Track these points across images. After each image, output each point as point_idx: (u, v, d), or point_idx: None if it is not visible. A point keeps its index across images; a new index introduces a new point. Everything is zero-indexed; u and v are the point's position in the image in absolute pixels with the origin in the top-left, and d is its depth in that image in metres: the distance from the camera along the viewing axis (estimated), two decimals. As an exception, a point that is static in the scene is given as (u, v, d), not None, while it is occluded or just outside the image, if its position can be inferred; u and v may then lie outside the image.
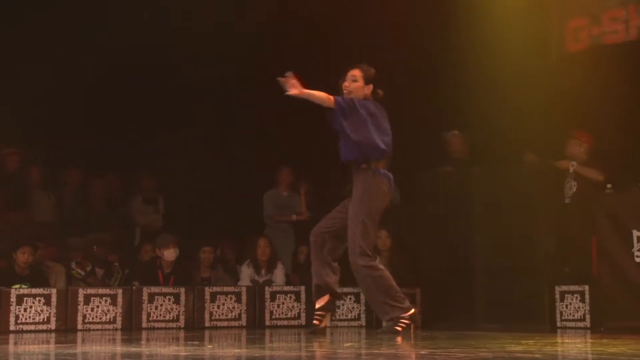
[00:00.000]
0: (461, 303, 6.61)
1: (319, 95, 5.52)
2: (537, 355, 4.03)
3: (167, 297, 7.05)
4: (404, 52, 8.51)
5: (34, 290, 6.88)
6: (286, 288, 7.42)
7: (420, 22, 8.41)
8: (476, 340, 5.04)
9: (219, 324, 7.08)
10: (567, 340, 5.43)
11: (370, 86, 5.77)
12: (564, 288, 6.51)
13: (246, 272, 7.72)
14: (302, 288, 7.31)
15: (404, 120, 8.54)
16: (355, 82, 5.74)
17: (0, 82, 8.60)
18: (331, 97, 5.56)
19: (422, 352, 4.35)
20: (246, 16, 8.80)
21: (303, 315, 7.21)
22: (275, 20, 8.73)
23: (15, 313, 6.75)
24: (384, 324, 5.79)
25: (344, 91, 5.73)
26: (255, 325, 7.10)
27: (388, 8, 8.42)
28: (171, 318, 7.02)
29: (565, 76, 7.70)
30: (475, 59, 8.03)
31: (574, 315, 6.40)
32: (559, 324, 6.45)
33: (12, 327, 6.71)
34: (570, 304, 6.42)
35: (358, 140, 5.63)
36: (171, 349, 4.69)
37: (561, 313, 6.47)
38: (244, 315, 7.16)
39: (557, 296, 6.50)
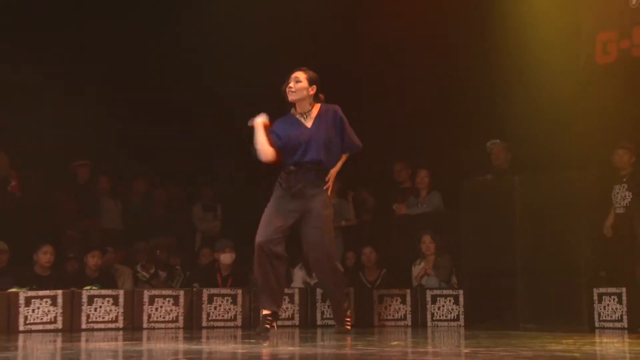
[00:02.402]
0: (503, 304, 6.52)
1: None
2: (576, 355, 3.96)
3: (225, 298, 7.07)
4: (448, 64, 8.47)
5: (103, 292, 6.94)
6: (336, 290, 7.37)
7: (461, 36, 8.37)
8: (517, 340, 4.97)
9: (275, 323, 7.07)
10: (605, 340, 5.32)
11: (314, 87, 5.73)
12: (602, 290, 6.40)
13: (299, 275, 7.71)
14: (351, 290, 7.27)
15: (448, 130, 8.53)
16: (299, 82, 5.69)
17: (70, 98, 8.74)
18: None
19: (466, 351, 4.30)
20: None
21: (353, 315, 7.15)
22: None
23: (86, 312, 6.81)
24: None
25: (289, 92, 5.69)
26: (307, 324, 7.08)
27: (429, 20, 8.40)
28: (229, 317, 7.03)
29: (598, 87, 7.60)
30: (514, 70, 7.98)
31: (611, 316, 6.29)
32: (597, 325, 6.34)
33: (83, 326, 6.77)
34: (608, 305, 6.31)
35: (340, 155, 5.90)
36: (229, 347, 4.70)
37: (599, 314, 6.36)
38: (296, 315, 7.14)
39: (595, 298, 6.40)
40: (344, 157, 5.96)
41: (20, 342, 5.51)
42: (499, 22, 8.06)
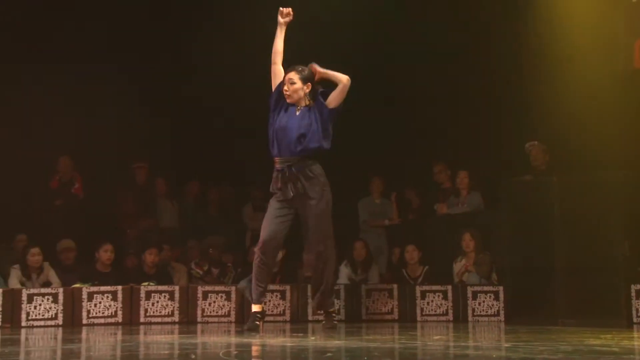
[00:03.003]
0: (542, 300, 6.45)
1: (337, 75, 5.60)
2: (614, 349, 3.90)
3: (274, 293, 7.09)
4: (486, 66, 8.41)
5: (160, 287, 7.01)
6: (380, 286, 7.37)
7: (500, 38, 8.30)
8: (556, 335, 4.91)
9: (320, 317, 7.07)
10: (643, 336, 5.22)
11: (309, 84, 5.61)
12: (640, 286, 6.31)
13: (344, 272, 7.71)
14: (395, 286, 7.25)
15: (488, 132, 8.46)
16: (293, 84, 5.58)
17: (129, 104, 8.86)
18: (344, 77, 5.59)
19: (506, 345, 4.26)
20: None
21: (396, 310, 7.15)
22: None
23: (144, 307, 6.89)
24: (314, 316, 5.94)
25: (285, 95, 5.59)
26: (353, 319, 7.07)
27: (465, 22, 8.35)
28: (278, 312, 7.05)
29: (635, 90, 7.50)
30: (553, 73, 7.89)
31: (649, 312, 6.18)
32: (635, 320, 6.25)
33: (142, 319, 6.84)
34: (646, 301, 6.21)
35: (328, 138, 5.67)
36: (279, 340, 4.71)
37: (637, 310, 6.26)
38: (342, 310, 7.13)
39: (633, 294, 6.29)
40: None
41: (83, 335, 5.59)
42: (537, 26, 7.98)
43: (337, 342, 4.46)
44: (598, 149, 7.29)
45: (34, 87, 8.46)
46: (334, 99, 5.62)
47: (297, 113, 5.60)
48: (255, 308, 5.66)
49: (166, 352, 4.12)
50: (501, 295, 7.03)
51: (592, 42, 7.71)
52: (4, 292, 6.68)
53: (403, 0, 8.82)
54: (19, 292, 6.74)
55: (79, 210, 8.37)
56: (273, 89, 5.66)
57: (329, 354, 3.70)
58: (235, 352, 3.91)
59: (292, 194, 5.55)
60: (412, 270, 7.66)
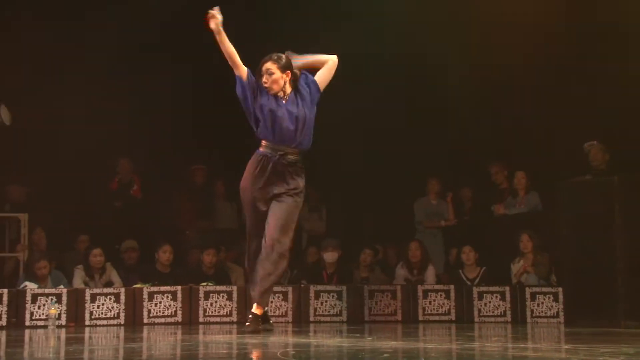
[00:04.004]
0: (603, 301, 6.34)
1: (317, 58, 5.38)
2: (679, 352, 3.80)
3: (331, 294, 7.11)
4: (544, 66, 8.31)
5: (219, 288, 7.08)
6: (437, 287, 7.34)
7: (559, 38, 8.20)
8: (618, 337, 4.82)
9: (377, 318, 7.08)
10: None
11: (288, 72, 5.26)
12: None
13: (400, 272, 7.70)
14: (452, 287, 7.21)
15: (547, 131, 8.35)
16: (272, 74, 5.22)
17: (188, 107, 8.97)
18: (333, 60, 5.34)
19: (566, 347, 4.20)
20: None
21: (453, 311, 7.11)
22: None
23: (203, 307, 6.97)
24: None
25: (265, 87, 5.23)
26: (410, 320, 7.05)
27: (529, 25, 8.26)
28: (335, 313, 7.07)
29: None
30: (612, 71, 7.76)
31: None
32: (700, 323, 6.09)
33: (200, 319, 6.93)
34: None
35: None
36: (336, 341, 4.72)
37: (701, 312, 6.11)
38: (399, 311, 7.13)
39: (697, 296, 6.15)
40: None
41: (144, 334, 5.67)
42: (597, 25, 7.87)
43: (393, 343, 4.46)
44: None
45: (94, 89, 8.62)
46: (322, 82, 5.35)
47: (284, 102, 5.26)
48: (262, 310, 5.39)
49: (225, 351, 4.17)
50: (560, 297, 6.94)
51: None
52: (68, 292, 6.84)
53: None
54: (83, 291, 6.89)
55: (138, 212, 8.50)
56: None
57: (385, 355, 3.70)
58: (293, 352, 3.94)
59: (262, 185, 5.23)
60: (469, 271, 7.61)
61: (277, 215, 5.20)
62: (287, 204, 5.23)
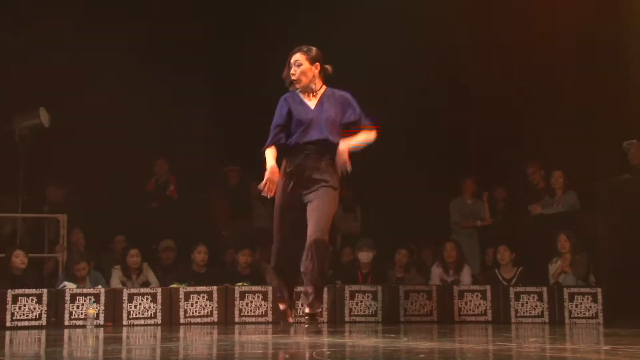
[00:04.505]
0: (642, 302, 6.25)
1: (363, 139, 5.10)
2: None
3: (366, 294, 7.10)
4: (580, 64, 8.23)
5: (254, 288, 7.10)
6: (472, 287, 7.29)
7: (595, 37, 8.11)
8: (658, 338, 4.74)
9: (412, 319, 7.06)
10: None
11: (317, 65, 5.09)
12: None
13: (436, 272, 7.67)
14: (488, 287, 7.16)
15: (584, 130, 8.26)
16: (300, 66, 5.06)
17: (222, 110, 9.02)
18: (371, 132, 5.10)
19: (605, 348, 4.15)
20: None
21: (489, 312, 7.06)
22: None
23: (239, 307, 6.99)
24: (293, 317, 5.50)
25: (292, 79, 5.07)
26: (445, 320, 7.01)
27: (559, 24, 8.18)
28: (370, 313, 7.05)
29: None
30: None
31: None
32: None
33: (236, 319, 6.96)
34: None
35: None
36: (371, 341, 4.71)
37: None
38: (435, 312, 7.09)
39: None
40: (361, 133, 5.14)
41: (181, 334, 5.71)
42: (635, 28, 7.78)
43: (429, 344, 4.44)
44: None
45: (130, 92, 8.72)
46: (348, 124, 5.17)
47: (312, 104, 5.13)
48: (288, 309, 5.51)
49: (260, 351, 4.18)
50: (599, 297, 6.85)
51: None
52: (106, 292, 6.91)
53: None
54: (120, 291, 6.96)
55: (174, 212, 8.56)
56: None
57: (421, 356, 3.68)
58: (328, 352, 3.93)
59: None
60: (506, 271, 7.55)
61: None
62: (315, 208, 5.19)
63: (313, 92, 5.16)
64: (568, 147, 8.38)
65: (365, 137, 5.13)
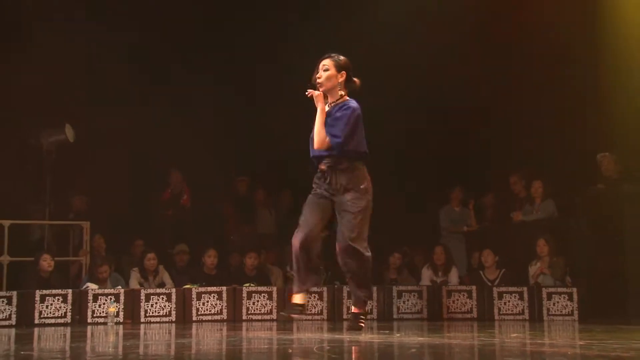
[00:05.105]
0: (614, 301, 6.26)
1: (319, 132, 4.79)
2: (685, 348, 3.74)
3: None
4: (558, 82, 8.23)
5: (260, 288, 7.11)
6: (459, 287, 7.28)
7: (575, 54, 8.10)
8: (629, 334, 4.74)
9: (405, 316, 7.06)
10: None
11: (344, 73, 4.83)
12: None
13: (426, 274, 7.67)
14: (474, 287, 7.16)
15: (561, 144, 8.26)
16: (327, 71, 4.82)
17: (232, 124, 9.02)
18: (327, 141, 4.78)
19: (580, 343, 4.15)
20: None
21: (475, 310, 7.06)
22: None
23: (246, 306, 7.00)
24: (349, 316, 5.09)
25: (317, 83, 4.84)
26: (435, 317, 7.01)
27: (541, 40, 8.16)
28: (367, 311, 7.03)
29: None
30: (623, 87, 7.66)
31: None
32: None
33: (244, 317, 6.96)
34: None
35: (356, 143, 4.83)
36: (367, 337, 4.71)
37: None
38: (425, 310, 7.09)
39: (703, 296, 6.04)
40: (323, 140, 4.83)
41: (193, 330, 5.71)
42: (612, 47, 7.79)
43: (420, 339, 4.44)
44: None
45: (148, 109, 8.73)
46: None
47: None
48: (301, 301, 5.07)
49: (266, 347, 4.19)
50: (575, 296, 6.85)
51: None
52: (125, 292, 6.91)
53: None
54: (138, 292, 6.97)
55: (188, 219, 8.56)
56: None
57: (412, 350, 3.69)
58: (328, 348, 3.94)
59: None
60: (490, 272, 7.55)
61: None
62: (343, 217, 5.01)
63: (335, 100, 4.91)
64: (547, 158, 8.39)
65: (319, 133, 4.84)
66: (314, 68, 4.91)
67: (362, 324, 5.02)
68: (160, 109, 8.79)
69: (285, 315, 5.16)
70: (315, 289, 6.95)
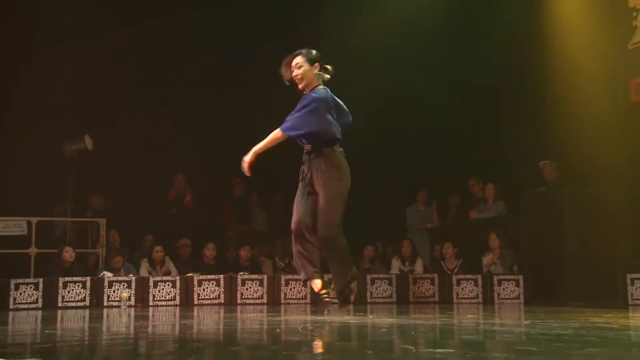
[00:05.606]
0: (554, 286, 6.32)
1: (270, 140, 4.39)
2: (614, 326, 3.80)
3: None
4: (515, 101, 8.25)
5: (253, 276, 7.11)
6: (424, 275, 7.33)
7: (522, 76, 8.13)
8: (567, 314, 4.80)
9: (377, 300, 7.09)
10: (637, 315, 5.06)
11: (317, 65, 4.43)
12: (634, 275, 6.12)
13: (395, 264, 7.70)
14: (436, 275, 7.21)
15: (513, 152, 8.32)
16: (300, 67, 4.42)
17: (227, 132, 8.97)
18: (277, 133, 4.35)
19: (526, 322, 4.20)
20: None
21: (437, 294, 7.10)
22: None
23: (240, 291, 6.99)
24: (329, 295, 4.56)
25: (295, 81, 4.44)
26: (402, 302, 7.04)
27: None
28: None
29: (631, 118, 7.29)
30: (565, 105, 7.73)
31: (643, 296, 5.98)
32: (630, 302, 6.07)
33: (238, 301, 6.95)
34: (639, 287, 6.02)
35: (316, 130, 4.33)
36: (345, 318, 4.72)
37: (632, 294, 6.08)
38: (394, 295, 7.12)
39: (628, 281, 6.12)
40: (273, 135, 4.42)
41: (195, 313, 5.70)
42: (554, 61, 7.83)
43: (390, 320, 4.46)
44: (599, 165, 7.11)
45: (155, 118, 8.69)
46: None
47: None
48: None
49: (257, 327, 4.19)
50: (521, 283, 6.91)
51: (596, 81, 7.54)
52: (136, 280, 6.89)
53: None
54: (147, 279, 6.94)
55: (190, 217, 8.54)
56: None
57: (384, 329, 3.71)
58: (311, 328, 3.95)
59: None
60: (449, 263, 7.60)
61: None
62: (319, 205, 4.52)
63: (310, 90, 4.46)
64: (498, 165, 8.43)
65: (269, 138, 4.46)
66: (283, 66, 4.46)
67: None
68: (167, 120, 8.76)
69: (325, 306, 4.67)
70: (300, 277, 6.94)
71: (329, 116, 4.39)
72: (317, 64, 4.46)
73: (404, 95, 8.77)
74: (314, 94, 4.39)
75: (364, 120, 8.67)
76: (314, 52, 4.49)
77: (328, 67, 4.51)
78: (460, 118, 8.71)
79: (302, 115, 4.34)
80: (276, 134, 4.42)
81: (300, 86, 4.48)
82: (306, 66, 4.44)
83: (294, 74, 4.44)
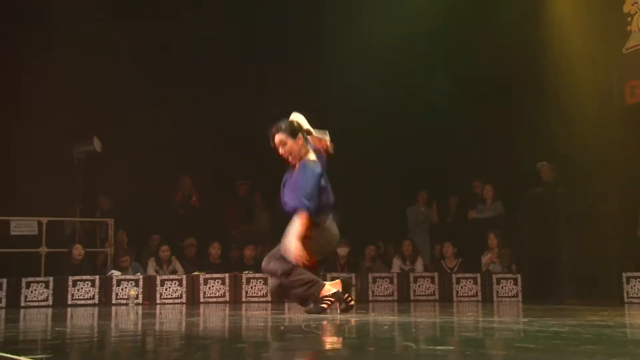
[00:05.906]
0: (551, 285, 6.32)
1: (302, 224, 4.14)
2: (610, 323, 3.79)
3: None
4: (513, 104, 8.22)
5: (257, 275, 7.11)
6: (424, 274, 7.33)
7: (518, 78, 8.09)
8: (564, 312, 4.79)
9: (378, 298, 7.09)
10: (633, 313, 5.05)
11: (299, 136, 4.15)
12: (630, 274, 6.11)
13: (396, 263, 7.70)
14: (436, 274, 7.20)
15: (511, 153, 8.30)
16: (285, 145, 4.16)
17: (230, 136, 8.98)
18: (302, 218, 4.13)
19: (524, 320, 4.19)
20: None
21: (437, 293, 7.10)
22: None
23: (245, 290, 6.99)
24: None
25: (287, 160, 4.23)
26: (404, 299, 7.04)
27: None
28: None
29: (627, 120, 7.27)
30: (562, 107, 7.71)
31: (637, 294, 5.99)
32: (625, 300, 6.05)
33: (243, 299, 6.96)
34: (635, 285, 6.01)
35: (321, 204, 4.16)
36: (346, 316, 4.71)
37: (627, 292, 6.07)
38: (395, 293, 7.12)
39: (624, 280, 6.10)
40: (302, 218, 4.14)
41: (201, 310, 5.70)
42: (551, 68, 7.81)
43: (391, 317, 4.46)
44: (594, 166, 7.10)
45: (163, 121, 8.70)
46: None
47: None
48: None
49: (262, 324, 4.20)
50: (519, 281, 6.91)
51: (592, 84, 7.53)
52: (143, 278, 6.90)
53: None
54: (154, 278, 6.95)
55: (196, 217, 8.55)
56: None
57: (385, 327, 3.71)
58: (314, 325, 3.95)
59: None
60: (449, 261, 7.59)
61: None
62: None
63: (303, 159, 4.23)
64: (496, 166, 8.41)
65: (299, 223, 4.20)
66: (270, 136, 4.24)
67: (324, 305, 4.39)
68: (174, 124, 8.76)
69: (345, 310, 4.46)
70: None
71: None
72: (298, 134, 4.15)
73: (404, 95, 8.74)
74: (309, 165, 4.17)
75: (364, 121, 8.82)
76: (294, 122, 4.17)
77: (310, 130, 4.20)
78: (460, 118, 8.69)
79: (313, 187, 4.11)
80: (303, 216, 4.14)
81: (290, 161, 4.23)
82: (290, 142, 4.14)
83: (280, 151, 4.19)
